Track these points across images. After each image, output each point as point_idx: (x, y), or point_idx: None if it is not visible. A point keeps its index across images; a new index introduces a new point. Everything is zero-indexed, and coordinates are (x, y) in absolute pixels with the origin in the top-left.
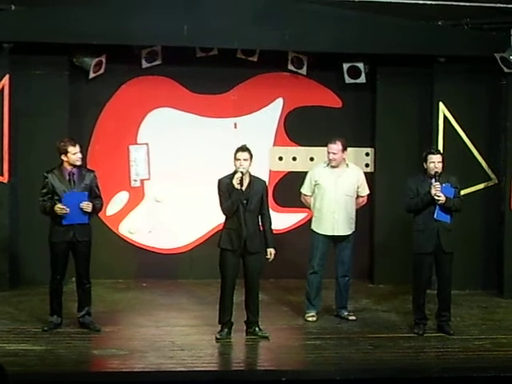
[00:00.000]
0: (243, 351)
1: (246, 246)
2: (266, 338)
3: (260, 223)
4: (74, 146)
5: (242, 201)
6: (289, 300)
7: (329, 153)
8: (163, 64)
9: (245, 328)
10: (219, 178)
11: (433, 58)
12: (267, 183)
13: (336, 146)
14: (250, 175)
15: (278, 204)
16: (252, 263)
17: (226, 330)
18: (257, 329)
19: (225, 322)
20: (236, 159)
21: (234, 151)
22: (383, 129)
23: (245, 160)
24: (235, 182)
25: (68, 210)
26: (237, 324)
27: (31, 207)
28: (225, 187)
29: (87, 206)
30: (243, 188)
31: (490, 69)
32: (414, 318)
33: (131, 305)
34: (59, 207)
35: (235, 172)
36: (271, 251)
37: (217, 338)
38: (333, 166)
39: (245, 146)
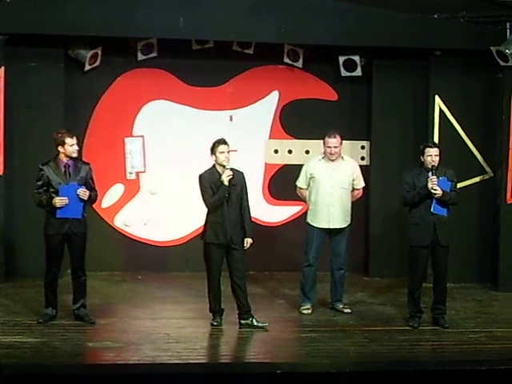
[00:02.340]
0: (238, 344)
1: (232, 238)
2: (265, 327)
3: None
4: (72, 137)
5: (225, 195)
6: (284, 293)
7: (329, 147)
8: (159, 56)
9: (238, 320)
10: (199, 173)
11: (429, 51)
12: (262, 176)
13: (336, 140)
14: (231, 168)
15: (274, 197)
16: (237, 255)
17: (218, 316)
18: (254, 320)
19: (216, 309)
20: (220, 152)
21: (233, 144)
22: (379, 122)
23: (228, 153)
24: (226, 178)
25: (67, 200)
26: (231, 316)
27: (26, 199)
28: (208, 183)
29: (84, 192)
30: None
31: (486, 62)
32: (409, 311)
33: (126, 297)
34: (58, 199)
35: (214, 166)
36: (248, 240)
37: (212, 325)
38: (332, 160)
39: (224, 139)
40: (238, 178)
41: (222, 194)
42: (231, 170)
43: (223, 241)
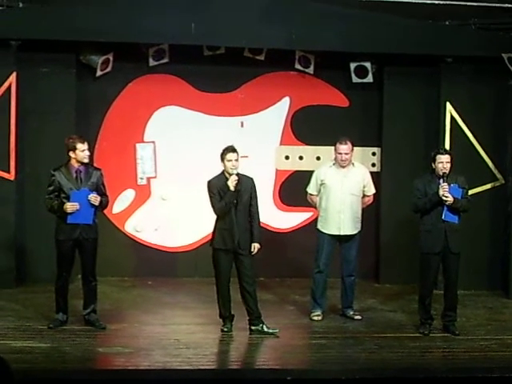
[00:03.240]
0: (248, 350)
1: (240, 244)
2: (276, 333)
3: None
4: (83, 142)
5: (232, 201)
6: (294, 299)
7: (340, 154)
8: (170, 62)
9: (248, 326)
10: (208, 179)
11: (440, 57)
12: (273, 182)
13: (347, 147)
14: (238, 174)
15: (284, 203)
16: (245, 261)
17: (228, 322)
18: (264, 327)
19: (226, 315)
20: (227, 160)
21: (244, 150)
22: (390, 128)
23: (236, 160)
24: (231, 184)
25: (78, 205)
26: (241, 322)
27: (37, 204)
28: (215, 189)
29: (95, 198)
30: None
31: (497, 69)
32: (420, 318)
33: (136, 303)
34: (70, 205)
35: (223, 172)
36: (255, 245)
37: (223, 331)
38: (343, 166)
39: (233, 146)
40: (247, 183)
41: (228, 199)
42: (239, 175)
43: (231, 247)
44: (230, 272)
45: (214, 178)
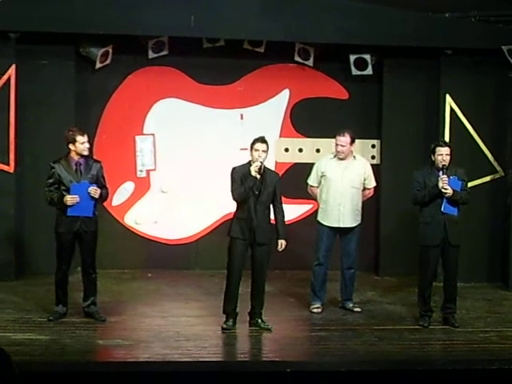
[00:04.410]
0: (248, 342)
1: (255, 236)
2: (269, 329)
3: (272, 215)
4: (83, 135)
5: (253, 191)
6: (294, 291)
7: (337, 145)
8: (170, 54)
9: (248, 319)
10: (233, 166)
11: (440, 50)
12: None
13: (345, 139)
14: (264, 167)
15: (284, 195)
16: (260, 254)
17: (231, 319)
18: (259, 320)
19: (230, 312)
20: (255, 150)
21: (243, 142)
22: (389, 121)
23: (263, 151)
24: (254, 169)
25: (78, 198)
26: (241, 315)
27: (37, 197)
28: (238, 175)
29: (95, 191)
30: (258, 178)
31: (497, 61)
32: (420, 311)
33: (136, 295)
34: (70, 198)
35: (249, 162)
36: (282, 242)
37: (223, 328)
38: (340, 158)
39: (263, 137)
40: (272, 177)
41: (248, 185)
42: (266, 168)
43: (247, 237)
44: (243, 265)
45: (239, 166)
